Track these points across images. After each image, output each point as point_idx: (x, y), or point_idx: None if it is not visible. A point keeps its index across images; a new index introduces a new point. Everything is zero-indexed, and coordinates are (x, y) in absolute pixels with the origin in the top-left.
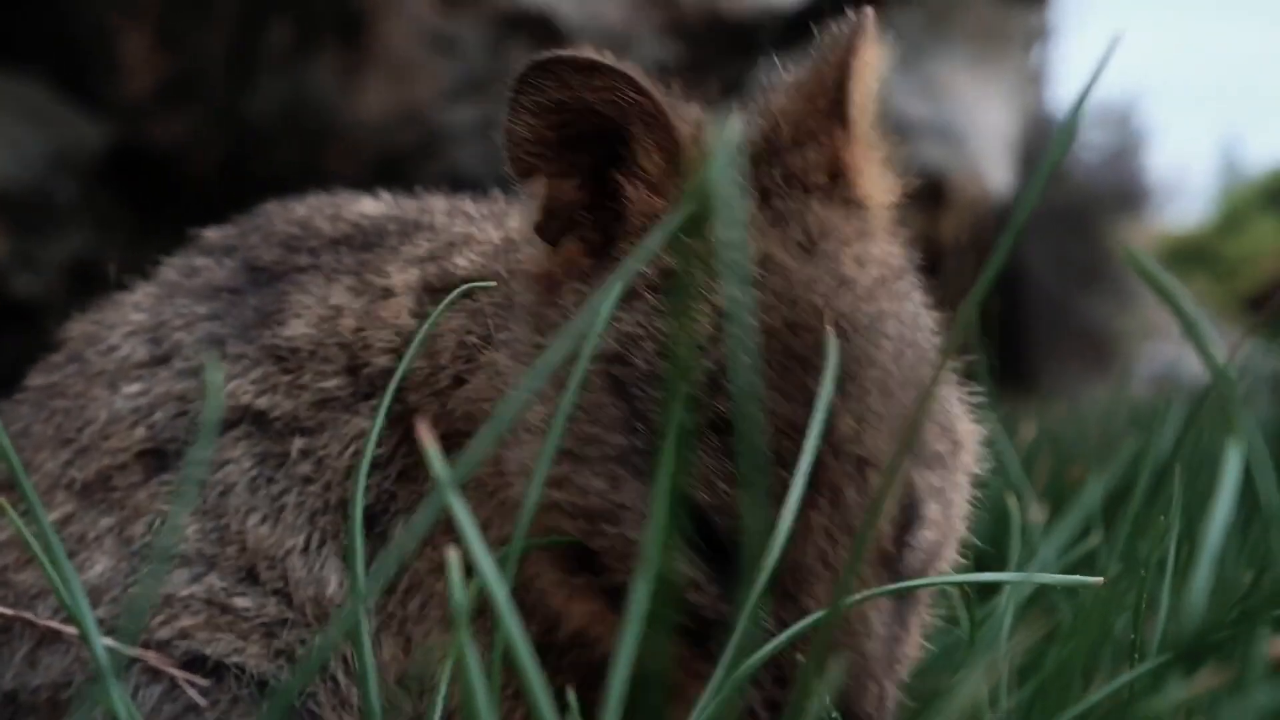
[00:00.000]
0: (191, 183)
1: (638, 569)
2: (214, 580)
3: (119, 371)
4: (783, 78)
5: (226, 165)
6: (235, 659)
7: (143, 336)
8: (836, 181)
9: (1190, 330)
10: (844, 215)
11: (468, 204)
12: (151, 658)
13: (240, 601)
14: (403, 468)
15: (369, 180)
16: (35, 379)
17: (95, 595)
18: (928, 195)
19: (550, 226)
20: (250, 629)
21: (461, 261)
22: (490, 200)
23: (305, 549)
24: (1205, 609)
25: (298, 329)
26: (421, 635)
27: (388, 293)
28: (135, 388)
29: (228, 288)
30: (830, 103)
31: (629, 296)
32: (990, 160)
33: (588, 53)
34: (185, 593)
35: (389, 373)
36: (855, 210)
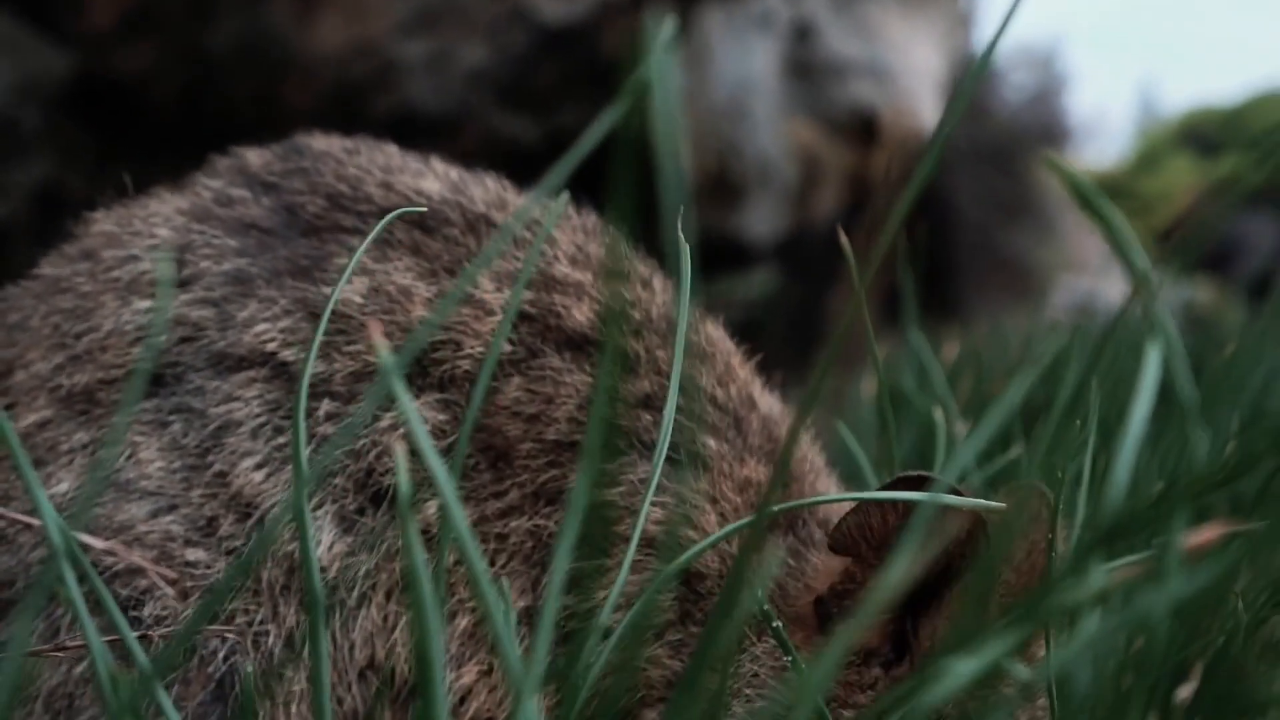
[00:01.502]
0: (153, 112)
1: None
2: (172, 523)
3: (133, 285)
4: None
5: (186, 95)
6: (168, 624)
7: (165, 254)
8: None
9: (1115, 237)
10: None
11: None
12: (119, 549)
13: (192, 554)
14: (450, 464)
15: (325, 111)
16: (46, 268)
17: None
18: (860, 132)
19: (827, 607)
20: (194, 589)
21: (578, 313)
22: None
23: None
24: (1123, 502)
25: (346, 293)
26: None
27: (480, 303)
28: (146, 304)
29: (261, 227)
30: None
31: None
32: (920, 99)
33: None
34: (142, 528)
35: (470, 377)
36: None
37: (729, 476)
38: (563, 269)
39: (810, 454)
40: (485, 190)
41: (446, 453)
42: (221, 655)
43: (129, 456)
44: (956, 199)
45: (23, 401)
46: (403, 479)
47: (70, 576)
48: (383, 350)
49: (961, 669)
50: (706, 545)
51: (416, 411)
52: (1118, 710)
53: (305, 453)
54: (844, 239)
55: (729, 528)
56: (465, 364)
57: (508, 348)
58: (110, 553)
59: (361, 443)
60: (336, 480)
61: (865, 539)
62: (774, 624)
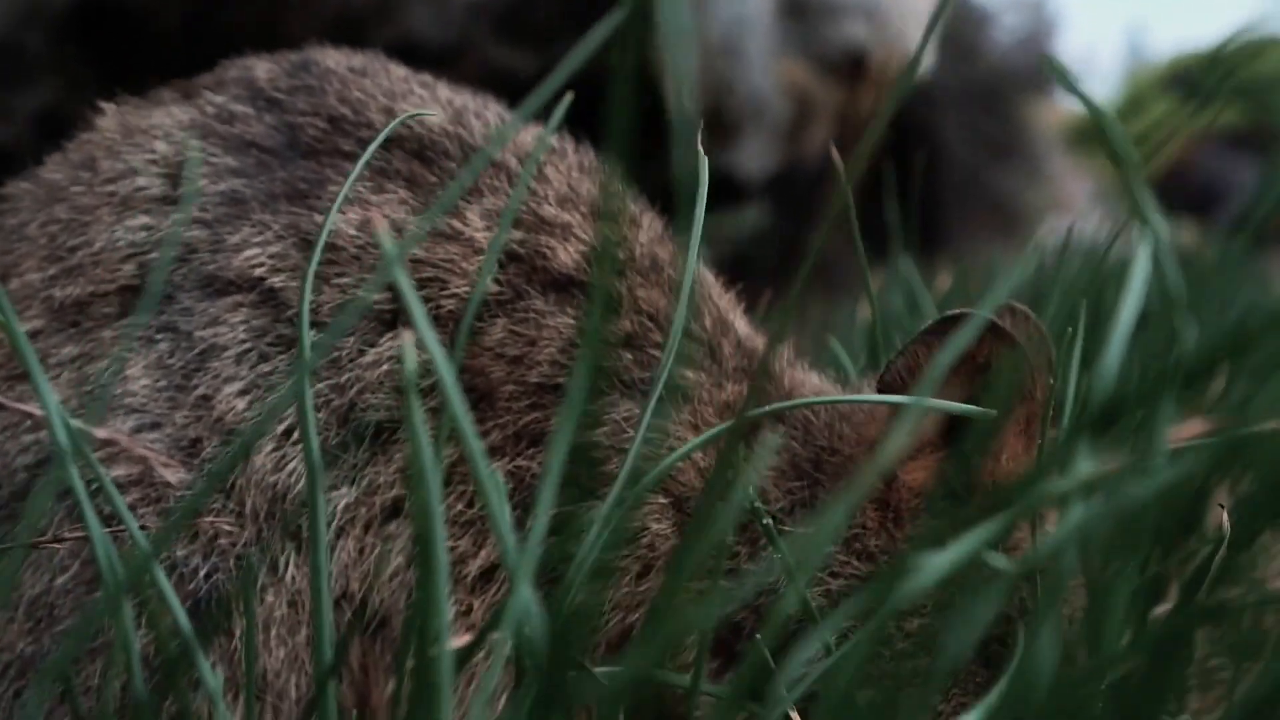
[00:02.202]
0: (155, 39)
1: None
2: (155, 441)
3: (128, 200)
4: None
5: (188, 23)
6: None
7: (162, 170)
8: None
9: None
10: None
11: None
12: (121, 437)
13: (171, 475)
14: (438, 405)
15: (327, 41)
16: (47, 170)
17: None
18: (850, 70)
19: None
20: (174, 510)
21: (564, 254)
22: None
23: (282, 436)
24: (1112, 388)
25: (340, 224)
26: (384, 556)
27: (468, 241)
28: (140, 221)
29: (261, 146)
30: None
31: None
32: (910, 38)
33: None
34: (125, 443)
35: (455, 316)
36: None
37: (709, 403)
38: (551, 209)
39: (792, 362)
40: (485, 125)
41: (430, 392)
42: (203, 574)
43: (115, 372)
44: (945, 139)
45: (16, 310)
46: (409, 363)
47: (72, 467)
48: (385, 239)
49: (936, 563)
50: (688, 450)
51: (406, 346)
52: (1098, 607)
53: (308, 391)
54: (835, 154)
55: (709, 433)
56: (450, 303)
57: (494, 288)
58: (111, 441)
59: (345, 377)
60: (320, 415)
61: (915, 379)
62: (759, 508)
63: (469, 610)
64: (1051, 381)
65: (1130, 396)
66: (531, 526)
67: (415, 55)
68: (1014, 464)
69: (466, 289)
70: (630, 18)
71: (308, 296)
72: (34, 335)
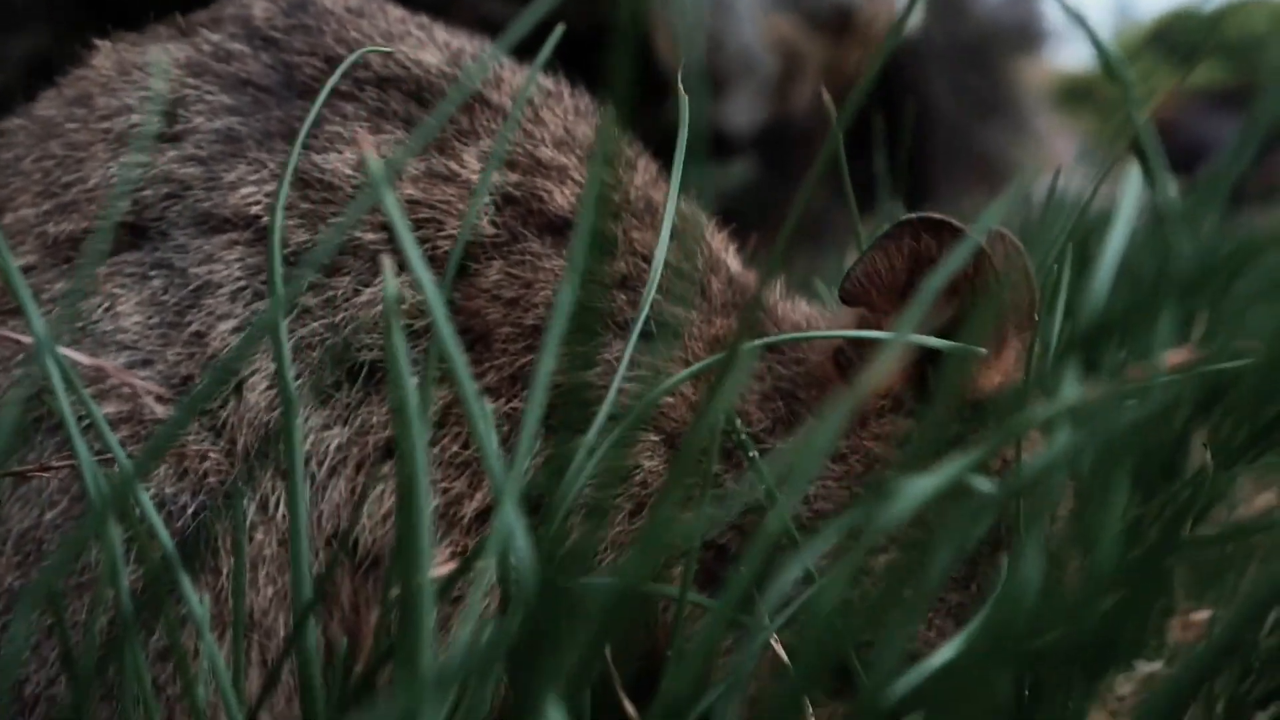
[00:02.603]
0: None
1: None
2: (146, 378)
3: (123, 137)
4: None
5: None
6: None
7: (158, 107)
8: None
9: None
10: None
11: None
12: (107, 365)
13: (163, 410)
14: (426, 347)
15: None
16: (41, 106)
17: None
18: (837, 26)
19: (847, 356)
20: (158, 435)
21: (559, 197)
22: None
23: (277, 375)
24: (1103, 305)
25: (335, 163)
26: (378, 498)
27: (465, 183)
28: (135, 158)
29: (257, 84)
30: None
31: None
32: None
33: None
34: (116, 379)
35: (450, 257)
36: None
37: (699, 339)
38: (548, 152)
39: (782, 295)
40: (478, 54)
41: (424, 334)
42: (191, 511)
43: (107, 309)
44: (932, 95)
45: (10, 245)
46: (390, 286)
47: (61, 390)
48: (372, 160)
49: (919, 486)
50: (677, 382)
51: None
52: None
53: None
54: (827, 97)
55: (697, 365)
56: (446, 245)
57: (490, 230)
58: (99, 369)
59: (340, 316)
60: (313, 354)
61: (875, 286)
62: (740, 436)
63: (464, 552)
64: (1035, 311)
65: (1118, 317)
66: (517, 454)
67: (408, 3)
68: (999, 384)
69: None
70: None
71: (281, 214)
72: (27, 270)
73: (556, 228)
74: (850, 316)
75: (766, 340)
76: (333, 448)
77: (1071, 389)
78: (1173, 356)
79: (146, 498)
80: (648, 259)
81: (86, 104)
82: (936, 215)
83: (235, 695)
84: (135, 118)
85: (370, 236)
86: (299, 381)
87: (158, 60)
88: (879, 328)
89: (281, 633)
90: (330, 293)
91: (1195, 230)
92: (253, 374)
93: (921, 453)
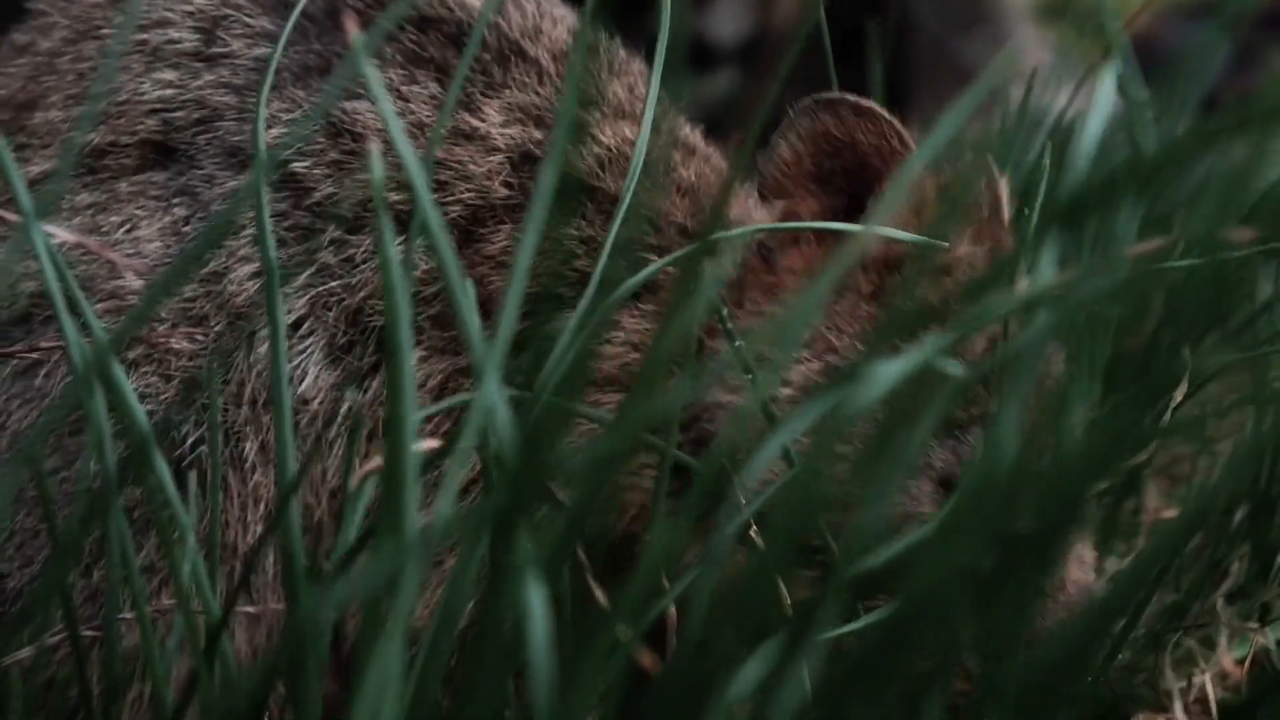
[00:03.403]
0: None
1: None
2: (160, 307)
3: (159, 52)
4: None
5: None
6: (149, 404)
7: (197, 23)
8: None
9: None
10: None
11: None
12: (91, 243)
13: (177, 343)
14: (438, 312)
15: None
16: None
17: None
18: None
19: (768, 248)
20: (178, 370)
21: (579, 161)
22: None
23: (291, 329)
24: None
25: (365, 114)
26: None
27: (483, 139)
28: (169, 76)
29: (301, 9)
30: None
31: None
32: None
33: (869, 101)
34: (131, 299)
35: (457, 226)
36: None
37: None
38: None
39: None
40: (523, 15)
41: (430, 301)
42: (191, 441)
43: (128, 229)
44: (915, 9)
45: (34, 145)
46: (377, 171)
47: (48, 266)
48: (355, 36)
49: (887, 371)
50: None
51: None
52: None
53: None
54: None
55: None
56: (455, 209)
57: (503, 192)
58: (81, 246)
59: (357, 277)
60: (330, 313)
61: (787, 175)
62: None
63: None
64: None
65: (1093, 199)
66: (499, 331)
67: None
68: (963, 272)
69: (470, 194)
70: None
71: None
72: (47, 175)
73: (573, 190)
74: (775, 211)
75: (730, 235)
76: (343, 411)
77: (1048, 272)
78: (1144, 246)
79: (122, 372)
80: (626, 154)
81: (127, 8)
82: (830, 94)
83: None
84: (173, 32)
85: (394, 196)
86: (311, 339)
87: None
88: (800, 216)
89: (271, 571)
90: (350, 251)
91: (1163, 130)
92: (235, 263)
93: (887, 335)
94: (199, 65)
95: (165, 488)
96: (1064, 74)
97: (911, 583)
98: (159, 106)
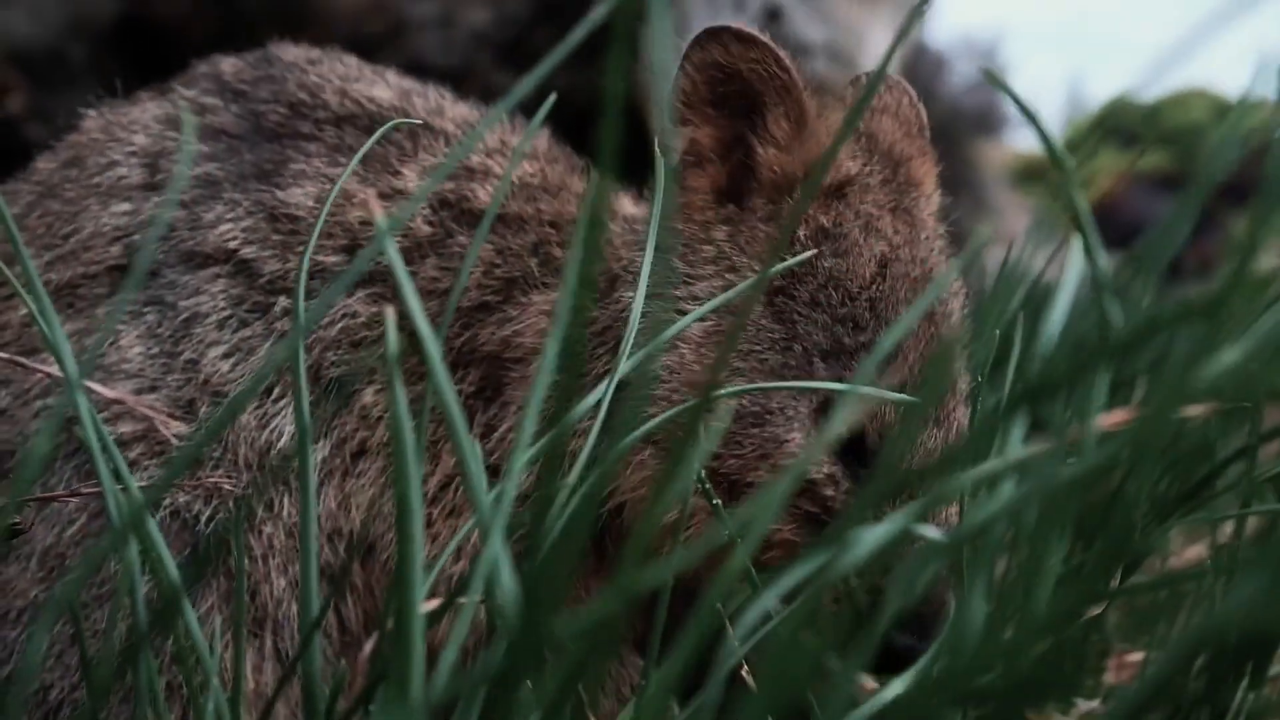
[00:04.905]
0: (188, 52)
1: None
2: (155, 401)
3: (112, 190)
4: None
5: (219, 40)
6: (139, 475)
7: (141, 160)
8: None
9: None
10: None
11: (472, 115)
12: (128, 397)
13: (176, 427)
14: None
15: None
16: (41, 164)
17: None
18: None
19: (685, 169)
20: (176, 458)
21: (482, 195)
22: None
23: (264, 395)
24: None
25: (298, 197)
26: (359, 490)
27: (400, 194)
28: (123, 207)
29: (229, 133)
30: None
31: (792, 241)
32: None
33: (751, 29)
34: (130, 402)
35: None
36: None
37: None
38: (478, 158)
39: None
40: (426, 100)
41: (378, 342)
42: (205, 518)
43: (111, 343)
44: None
45: (17, 296)
46: (391, 343)
47: (88, 418)
48: (379, 215)
49: (869, 537)
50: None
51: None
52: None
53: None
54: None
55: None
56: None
57: (427, 230)
58: (119, 401)
59: (310, 338)
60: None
61: (688, 103)
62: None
63: (430, 521)
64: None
65: (1062, 376)
66: (505, 491)
67: (423, 77)
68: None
69: (401, 238)
70: (618, 48)
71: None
72: (33, 318)
73: (479, 219)
74: (685, 134)
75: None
76: (319, 461)
77: (1016, 446)
78: (1111, 417)
79: (154, 523)
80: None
81: (78, 164)
82: (716, 25)
83: (236, 704)
84: (122, 170)
85: (332, 259)
86: (282, 401)
87: (139, 119)
88: (701, 141)
89: (295, 620)
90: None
91: (1130, 300)
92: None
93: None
94: (149, 193)
95: (195, 638)
96: (1038, 236)
97: None
98: (119, 235)
